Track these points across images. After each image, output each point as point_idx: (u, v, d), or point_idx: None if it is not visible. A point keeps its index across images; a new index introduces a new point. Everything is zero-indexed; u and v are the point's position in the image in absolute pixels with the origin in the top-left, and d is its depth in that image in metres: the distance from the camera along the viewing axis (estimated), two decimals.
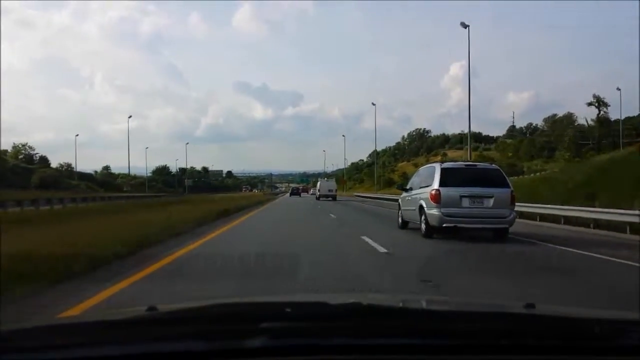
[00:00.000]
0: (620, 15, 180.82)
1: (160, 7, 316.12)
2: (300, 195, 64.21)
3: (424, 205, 11.01)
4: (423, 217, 11.05)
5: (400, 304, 1.67)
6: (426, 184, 11.40)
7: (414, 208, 11.90)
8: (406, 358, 1.15)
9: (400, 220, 13.75)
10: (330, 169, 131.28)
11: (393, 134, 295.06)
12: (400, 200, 14.04)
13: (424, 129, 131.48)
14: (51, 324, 1.45)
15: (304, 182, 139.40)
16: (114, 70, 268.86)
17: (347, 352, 1.15)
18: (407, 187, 13.32)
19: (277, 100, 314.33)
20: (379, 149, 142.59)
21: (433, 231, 10.87)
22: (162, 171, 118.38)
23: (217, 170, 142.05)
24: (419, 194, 11.72)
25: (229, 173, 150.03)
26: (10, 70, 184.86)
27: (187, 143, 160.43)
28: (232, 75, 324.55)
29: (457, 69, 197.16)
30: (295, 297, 2.65)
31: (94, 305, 4.61)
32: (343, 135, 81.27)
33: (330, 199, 44.26)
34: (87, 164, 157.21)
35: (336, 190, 47.66)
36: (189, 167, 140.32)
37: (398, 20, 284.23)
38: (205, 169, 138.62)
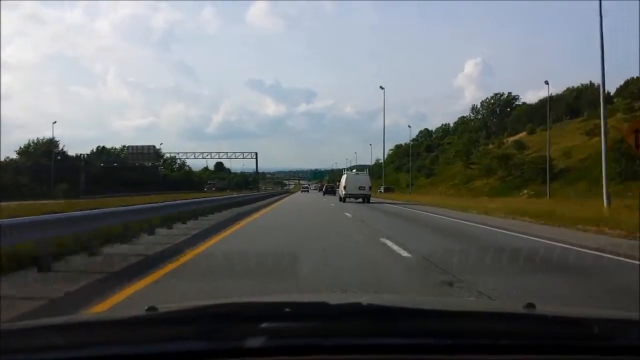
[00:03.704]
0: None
1: (172, 3, 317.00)
2: (335, 194, 49.23)
3: None
4: None
5: (401, 304, 1.67)
6: None
7: None
8: (406, 357, 1.16)
9: None
10: (371, 151, 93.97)
11: (407, 132, 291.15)
12: None
13: (509, 93, 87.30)
14: (51, 324, 1.46)
15: (316, 178, 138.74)
16: (126, 67, 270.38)
17: (348, 352, 1.16)
18: None
19: (290, 98, 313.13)
20: (388, 149, 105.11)
21: None
22: (36, 151, 64.17)
23: (144, 147, 71.31)
24: None
25: (219, 165, 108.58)
26: (21, 66, 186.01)
27: None
28: (244, 73, 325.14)
29: (471, 67, 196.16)
30: (296, 297, 2.65)
31: None
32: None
33: (360, 199, 33.60)
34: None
35: (370, 187, 35.94)
36: (111, 147, 79.09)
37: (414, 19, 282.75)
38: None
